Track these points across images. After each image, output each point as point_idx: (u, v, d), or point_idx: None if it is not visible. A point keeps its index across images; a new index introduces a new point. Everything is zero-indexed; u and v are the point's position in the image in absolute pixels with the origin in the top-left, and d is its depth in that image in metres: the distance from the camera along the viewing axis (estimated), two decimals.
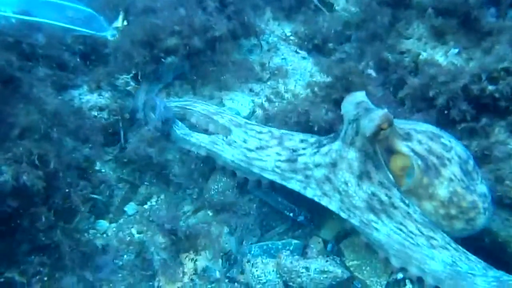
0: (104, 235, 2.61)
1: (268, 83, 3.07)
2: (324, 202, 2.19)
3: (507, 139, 2.39)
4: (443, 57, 2.75)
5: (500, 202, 2.30)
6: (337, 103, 2.51)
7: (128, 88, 2.92)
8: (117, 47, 2.90)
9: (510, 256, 2.30)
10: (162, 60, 2.80)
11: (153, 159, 2.63)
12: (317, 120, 2.54)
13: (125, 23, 3.12)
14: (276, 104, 2.89)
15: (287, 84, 3.05)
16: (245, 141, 2.48)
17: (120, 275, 2.43)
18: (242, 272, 2.36)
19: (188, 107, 2.71)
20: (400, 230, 2.07)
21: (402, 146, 2.12)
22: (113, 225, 2.66)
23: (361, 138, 2.11)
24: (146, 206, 2.76)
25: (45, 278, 2.20)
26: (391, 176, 2.13)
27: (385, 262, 2.17)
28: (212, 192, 2.57)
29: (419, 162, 2.08)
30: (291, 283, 2.24)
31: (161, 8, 2.87)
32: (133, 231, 2.61)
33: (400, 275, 2.17)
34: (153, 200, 2.77)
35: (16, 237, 2.19)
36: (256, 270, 2.31)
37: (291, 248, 2.39)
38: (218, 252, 2.37)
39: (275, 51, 3.27)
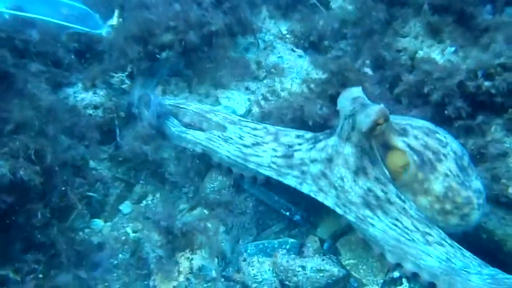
0: (99, 234, 2.59)
1: (264, 81, 3.05)
2: (320, 197, 2.18)
3: (504, 137, 2.39)
4: (440, 55, 2.75)
5: (496, 201, 2.31)
6: (333, 99, 2.52)
7: (123, 86, 2.91)
8: (111, 44, 2.88)
9: (506, 254, 2.30)
10: (157, 56, 2.78)
11: (149, 156, 2.62)
12: (311, 115, 2.54)
13: (120, 20, 3.10)
14: (272, 102, 2.88)
15: (283, 82, 3.04)
16: (241, 138, 2.47)
17: (115, 274, 2.41)
18: (238, 271, 2.35)
19: (181, 105, 2.70)
20: (396, 226, 2.07)
21: (398, 141, 2.12)
22: (108, 224, 2.65)
23: (357, 134, 2.11)
24: (141, 205, 2.74)
25: (40, 276, 2.19)
26: (387, 172, 2.13)
27: (380, 257, 2.17)
28: (208, 191, 2.56)
29: (415, 157, 2.09)
30: (287, 282, 2.23)
31: (155, 3, 2.84)
32: (128, 230, 2.60)
33: (396, 274, 2.17)
34: (149, 199, 2.76)
35: (11, 234, 2.18)
36: (252, 269, 2.30)
37: (287, 247, 2.38)
38: (214, 250, 2.36)
39: (272, 50, 3.25)
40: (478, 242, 2.28)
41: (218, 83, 2.96)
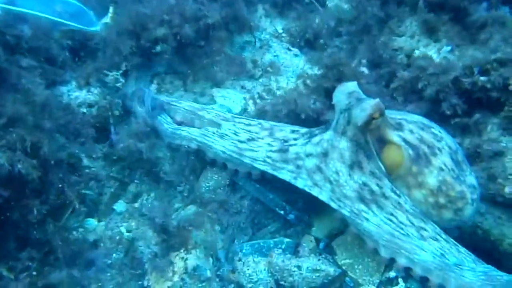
0: (93, 233, 2.56)
1: (260, 80, 3.05)
2: (314, 192, 2.17)
3: (500, 136, 2.40)
4: (436, 54, 2.74)
5: (492, 200, 2.31)
6: (328, 93, 2.53)
7: (118, 84, 2.89)
8: (105, 40, 2.85)
9: (502, 254, 2.31)
10: (152, 50, 2.77)
11: (144, 154, 2.60)
12: (304, 108, 2.56)
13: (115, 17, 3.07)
14: (268, 101, 2.86)
15: (279, 81, 3.03)
16: (236, 134, 2.46)
17: (108, 274, 2.39)
18: (233, 271, 2.34)
19: (172, 103, 2.69)
20: (390, 220, 2.07)
21: (393, 135, 2.13)
22: (102, 223, 2.62)
23: (353, 128, 2.11)
24: (136, 204, 2.71)
25: (34, 273, 2.18)
26: (382, 166, 2.13)
27: (376, 257, 2.17)
28: (203, 190, 2.54)
29: (410, 151, 2.09)
30: (282, 282, 2.22)
31: None
32: (122, 229, 2.57)
33: (392, 274, 2.16)
34: (143, 198, 2.73)
35: (6, 231, 2.17)
36: (248, 269, 2.29)
37: (283, 247, 2.37)
38: (209, 249, 2.35)
39: (267, 48, 3.24)
40: (474, 241, 2.28)
41: (214, 80, 2.95)
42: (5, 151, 2.08)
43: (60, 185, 2.35)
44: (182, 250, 2.32)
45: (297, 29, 3.34)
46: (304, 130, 2.42)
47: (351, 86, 2.20)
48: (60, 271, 2.24)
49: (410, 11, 2.93)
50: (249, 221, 2.52)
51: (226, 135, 2.46)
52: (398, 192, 2.12)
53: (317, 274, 2.20)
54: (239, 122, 2.55)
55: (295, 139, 2.34)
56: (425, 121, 2.25)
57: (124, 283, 2.37)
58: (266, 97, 2.92)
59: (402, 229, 2.05)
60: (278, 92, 2.95)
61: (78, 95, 2.79)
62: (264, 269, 2.28)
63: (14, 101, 2.22)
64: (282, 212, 2.51)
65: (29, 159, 2.13)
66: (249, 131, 2.48)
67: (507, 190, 2.29)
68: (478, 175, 2.28)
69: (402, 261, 2.02)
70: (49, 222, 2.30)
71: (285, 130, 2.45)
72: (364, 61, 2.96)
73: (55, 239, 2.29)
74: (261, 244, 2.40)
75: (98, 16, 3.15)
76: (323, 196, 2.15)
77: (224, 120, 2.55)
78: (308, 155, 2.22)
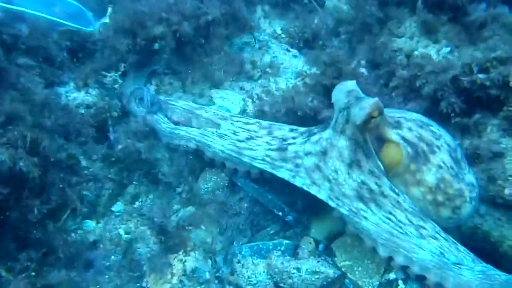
0: (91, 235, 2.55)
1: (259, 81, 3.04)
2: (313, 190, 2.16)
3: (499, 138, 2.39)
4: (435, 55, 2.74)
5: (492, 202, 2.30)
6: (326, 90, 2.55)
7: (116, 86, 2.87)
8: (103, 40, 2.84)
9: (502, 256, 2.30)
10: (150, 48, 2.75)
11: (142, 154, 2.59)
12: (301, 106, 2.56)
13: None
14: (267, 100, 2.85)
15: (278, 82, 3.02)
16: (235, 133, 2.46)
17: (107, 276, 2.38)
18: (232, 273, 2.32)
19: (170, 102, 2.70)
20: (389, 219, 2.07)
21: (392, 133, 2.13)
22: (100, 225, 2.60)
23: (352, 127, 2.11)
24: (134, 206, 2.70)
25: (33, 274, 2.18)
26: (381, 165, 2.13)
27: (375, 259, 2.19)
28: (202, 192, 2.53)
29: (409, 149, 2.09)
30: (282, 284, 2.21)
31: None
32: (121, 231, 2.56)
33: (392, 276, 2.16)
34: (141, 200, 2.72)
35: (5, 230, 2.16)
36: (247, 271, 2.28)
37: (282, 249, 2.36)
38: (208, 251, 2.34)
39: (266, 49, 3.23)
40: (474, 243, 2.27)
41: (213, 80, 2.94)
42: (8, 148, 2.09)
43: (61, 185, 2.36)
44: (180, 252, 2.31)
45: (296, 29, 3.34)
46: (302, 129, 2.42)
47: (350, 85, 2.21)
48: (59, 272, 2.23)
49: (409, 12, 2.93)
50: (248, 222, 2.51)
51: (225, 135, 2.46)
52: (397, 190, 2.12)
53: (317, 276, 2.19)
54: (237, 121, 2.55)
55: (293, 138, 2.34)
56: (424, 119, 2.26)
57: (123, 285, 2.36)
58: (265, 98, 2.91)
59: (401, 228, 2.04)
60: (277, 93, 2.94)
61: (76, 96, 2.77)
62: (263, 271, 2.27)
63: (11, 100, 2.22)
64: (280, 213, 2.51)
65: (31, 157, 2.14)
66: (248, 130, 2.48)
67: (507, 191, 2.28)
68: (478, 177, 2.27)
69: (400, 260, 2.02)
70: (49, 222, 2.30)
71: (283, 129, 2.45)
72: (363, 62, 2.95)
73: (55, 239, 2.29)
74: (260, 246, 2.39)
75: (97, 17, 3.13)
76: (322, 195, 2.15)
77: (221, 119, 2.55)
78: (307, 153, 2.22)
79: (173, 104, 2.68)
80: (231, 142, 2.40)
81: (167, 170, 2.66)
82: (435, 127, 2.22)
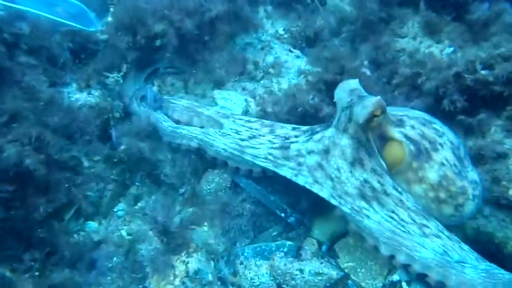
0: (94, 236, 2.55)
1: (262, 82, 3.03)
2: (315, 189, 2.16)
3: (504, 139, 2.38)
4: (439, 55, 2.73)
5: (496, 203, 2.29)
6: (327, 85, 2.57)
7: (118, 87, 2.87)
8: (105, 41, 2.84)
9: (506, 257, 2.28)
10: (152, 46, 2.75)
11: (145, 154, 2.59)
12: (302, 103, 2.58)
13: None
14: (269, 100, 2.85)
15: (281, 83, 3.01)
16: (237, 132, 2.46)
17: (109, 277, 2.37)
18: (235, 274, 2.32)
19: (172, 100, 2.70)
20: (392, 218, 2.06)
21: (395, 132, 2.13)
22: (103, 226, 2.60)
23: (354, 125, 2.11)
24: (136, 207, 2.70)
25: (36, 274, 2.18)
26: (383, 164, 2.13)
27: (379, 261, 2.19)
28: (205, 193, 2.52)
29: (411, 146, 2.09)
30: (285, 286, 2.20)
31: None
32: (123, 232, 2.56)
33: (396, 277, 2.15)
34: (144, 201, 2.71)
35: (10, 228, 2.16)
36: (249, 272, 2.27)
37: (285, 250, 2.35)
38: (211, 252, 2.33)
39: (269, 50, 3.23)
40: (478, 244, 2.26)
41: (215, 80, 2.92)
42: (15, 145, 2.10)
43: (66, 185, 2.38)
44: (183, 254, 2.30)
45: (298, 29, 3.33)
46: (305, 127, 2.42)
47: (353, 83, 2.21)
48: (62, 271, 2.23)
49: (412, 12, 2.92)
50: (250, 223, 2.51)
51: (228, 135, 2.45)
52: (400, 189, 2.12)
53: (320, 278, 2.19)
54: (239, 119, 2.55)
55: (296, 136, 2.34)
56: (427, 116, 2.26)
57: (125, 287, 2.35)
58: (267, 98, 2.90)
59: (403, 226, 2.04)
60: (280, 94, 2.93)
61: (79, 97, 2.77)
62: (266, 273, 2.26)
63: (14, 97, 2.23)
64: (283, 214, 2.51)
65: (37, 155, 2.15)
66: (250, 128, 2.48)
67: (511, 192, 2.27)
68: (482, 178, 2.26)
69: (402, 258, 2.01)
70: (53, 221, 2.31)
71: (286, 127, 2.45)
72: (366, 62, 2.94)
73: (59, 238, 2.30)
74: (263, 247, 2.39)
75: (100, 17, 3.13)
76: (324, 193, 2.14)
77: (223, 117, 2.55)
78: (310, 152, 2.22)
79: (174, 103, 2.68)
80: (233, 140, 2.40)
81: (169, 171, 2.66)
82: (438, 125, 2.22)
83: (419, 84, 2.53)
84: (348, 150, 2.14)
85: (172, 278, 2.26)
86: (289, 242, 2.40)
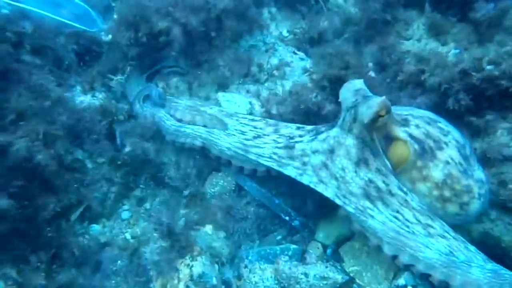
0: (98, 240, 2.55)
1: (266, 84, 3.02)
2: (319, 188, 2.16)
3: (510, 141, 2.35)
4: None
5: (503, 207, 2.27)
6: (331, 81, 2.57)
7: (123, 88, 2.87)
8: (109, 43, 2.84)
9: None
10: (157, 44, 2.75)
11: (150, 155, 2.59)
12: (305, 100, 2.58)
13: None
14: (274, 107, 2.84)
15: (285, 85, 3.00)
16: (243, 133, 2.45)
17: (113, 281, 2.37)
18: (239, 278, 2.31)
19: (174, 100, 2.71)
20: (396, 218, 2.06)
21: (399, 131, 2.12)
22: (107, 229, 2.60)
23: (359, 125, 2.12)
24: (141, 210, 2.70)
25: (43, 274, 2.19)
26: (388, 164, 2.12)
27: (384, 264, 2.18)
28: (209, 196, 2.52)
29: (416, 146, 2.09)
30: None
31: None
32: (127, 235, 2.56)
33: (402, 282, 2.13)
34: (148, 204, 2.71)
35: (16, 229, 2.17)
36: (254, 276, 2.27)
37: (289, 253, 2.34)
38: (215, 256, 2.32)
39: (273, 52, 3.22)
40: (484, 248, 2.24)
41: (220, 82, 2.92)
42: (25, 140, 2.12)
43: (75, 185, 2.41)
44: (187, 257, 2.29)
45: (302, 31, 3.32)
46: (309, 127, 2.42)
47: (358, 83, 2.21)
48: (69, 272, 2.26)
49: (417, 14, 2.91)
50: (255, 227, 2.51)
51: (233, 135, 2.45)
52: (405, 189, 2.11)
53: (325, 282, 2.17)
54: (242, 117, 2.56)
55: (300, 136, 2.34)
56: (432, 115, 2.25)
57: None
58: (271, 100, 2.90)
59: (408, 226, 2.03)
60: (284, 95, 2.93)
61: (83, 99, 2.77)
62: (271, 277, 2.25)
63: (19, 96, 2.25)
64: (287, 218, 2.50)
65: (48, 150, 2.19)
66: (255, 127, 2.48)
67: None
68: (489, 181, 2.24)
69: (405, 259, 2.01)
70: (61, 220, 2.34)
71: (290, 127, 2.45)
72: (371, 64, 2.93)
73: (68, 237, 2.33)
74: (268, 250, 2.38)
75: (104, 19, 3.13)
76: (329, 193, 2.14)
77: (226, 116, 2.55)
78: (314, 151, 2.22)
79: (177, 102, 2.69)
80: (238, 140, 2.40)
81: (173, 173, 2.66)
82: (443, 124, 2.21)
83: (422, 81, 2.52)
84: (353, 150, 2.14)
85: (176, 281, 2.25)
86: (294, 246, 2.39)
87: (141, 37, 2.72)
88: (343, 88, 2.22)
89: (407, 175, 2.12)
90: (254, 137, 2.41)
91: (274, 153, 2.29)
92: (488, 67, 2.34)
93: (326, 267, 2.24)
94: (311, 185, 2.17)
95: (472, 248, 2.05)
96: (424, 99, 2.53)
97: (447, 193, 2.07)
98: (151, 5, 2.70)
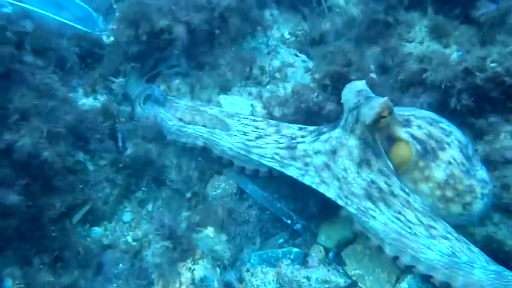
0: (99, 243, 2.54)
1: (268, 87, 3.02)
2: (322, 189, 2.15)
3: None
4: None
5: (506, 210, 2.26)
6: (333, 79, 2.58)
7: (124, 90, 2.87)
8: (111, 45, 2.84)
9: None
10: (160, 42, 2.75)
11: (152, 155, 2.59)
12: (306, 100, 2.59)
13: None
14: (276, 108, 2.84)
15: (287, 88, 3.00)
16: (245, 134, 2.45)
17: (115, 284, 2.37)
18: (241, 282, 2.30)
19: (175, 100, 2.71)
20: (398, 219, 2.05)
21: (401, 132, 2.12)
22: (108, 232, 2.59)
23: (361, 126, 2.11)
24: (142, 212, 2.69)
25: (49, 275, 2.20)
26: (391, 165, 2.12)
27: (387, 268, 2.18)
28: (210, 199, 2.52)
29: (418, 146, 2.09)
30: None
31: None
32: (129, 238, 2.55)
33: (404, 285, 2.12)
34: (150, 206, 2.71)
35: (19, 230, 2.17)
36: (256, 280, 2.26)
37: (291, 257, 2.34)
38: (217, 259, 2.32)
39: (275, 55, 3.21)
40: (488, 252, 2.23)
41: (221, 85, 2.91)
42: (30, 137, 2.13)
43: (80, 185, 2.41)
44: (189, 261, 2.29)
45: (304, 33, 3.32)
46: (311, 128, 2.42)
47: (360, 84, 2.22)
48: (72, 274, 2.26)
49: (419, 17, 2.91)
50: (257, 230, 2.50)
51: (235, 135, 2.45)
52: (407, 190, 2.11)
53: (327, 286, 2.17)
54: (244, 118, 2.55)
55: (302, 137, 2.34)
56: (434, 116, 2.25)
57: None
58: (273, 103, 2.89)
59: (410, 228, 2.03)
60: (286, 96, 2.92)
61: (85, 102, 2.77)
62: (273, 280, 2.25)
63: (22, 96, 2.26)
64: (289, 221, 2.49)
65: (53, 147, 2.20)
66: (256, 128, 2.48)
67: None
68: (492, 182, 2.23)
69: (406, 260, 2.00)
70: (66, 220, 2.35)
71: (292, 127, 2.45)
72: (372, 66, 2.93)
73: (72, 237, 2.33)
74: (270, 254, 2.37)
75: (107, 21, 3.14)
76: (331, 193, 2.13)
77: (227, 117, 2.55)
78: (316, 152, 2.21)
79: (177, 102, 2.69)
80: (240, 140, 2.40)
81: (175, 176, 2.65)
82: (446, 124, 2.21)
83: (424, 79, 2.53)
84: (355, 150, 2.14)
85: (178, 285, 2.24)
86: (296, 249, 2.38)
87: (141, 35, 2.71)
88: (345, 89, 2.23)
89: (409, 176, 2.12)
90: (256, 138, 2.41)
91: (276, 154, 2.29)
92: (492, 64, 2.33)
93: (328, 270, 2.23)
94: (313, 186, 2.17)
95: (475, 249, 2.04)
96: (427, 97, 2.54)
97: (449, 194, 2.06)
98: (153, 3, 2.70)
